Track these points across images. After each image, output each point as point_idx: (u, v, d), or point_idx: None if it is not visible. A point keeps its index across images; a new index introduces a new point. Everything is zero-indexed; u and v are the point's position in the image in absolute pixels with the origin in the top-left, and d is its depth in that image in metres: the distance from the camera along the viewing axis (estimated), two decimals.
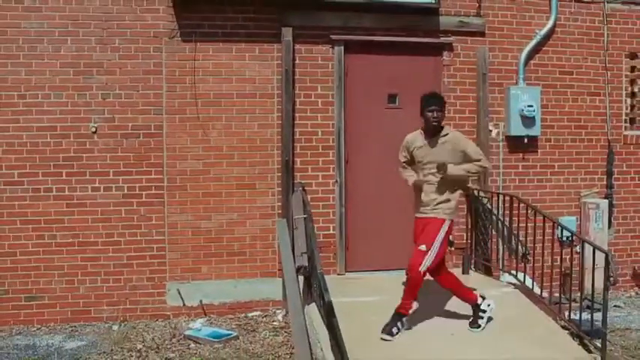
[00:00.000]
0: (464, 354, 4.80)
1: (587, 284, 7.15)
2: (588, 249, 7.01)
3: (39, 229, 6.24)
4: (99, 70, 6.28)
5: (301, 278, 5.61)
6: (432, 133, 5.16)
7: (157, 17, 6.34)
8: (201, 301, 6.49)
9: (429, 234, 5.07)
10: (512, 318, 5.46)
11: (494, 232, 6.61)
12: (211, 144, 6.50)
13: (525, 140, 7.07)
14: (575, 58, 7.26)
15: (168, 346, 5.70)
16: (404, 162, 5.35)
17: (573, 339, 5.22)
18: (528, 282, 6.80)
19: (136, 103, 6.36)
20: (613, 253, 7.44)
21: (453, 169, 5.04)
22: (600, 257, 7.15)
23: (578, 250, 7.20)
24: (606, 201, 7.32)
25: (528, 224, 5.94)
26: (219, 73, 6.49)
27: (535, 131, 7.08)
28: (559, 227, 7.04)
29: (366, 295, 5.99)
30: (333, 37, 6.63)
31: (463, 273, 6.74)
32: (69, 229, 6.28)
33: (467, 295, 5.27)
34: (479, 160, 5.15)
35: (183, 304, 6.48)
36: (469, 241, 6.89)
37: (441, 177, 5.07)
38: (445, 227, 5.07)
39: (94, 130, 6.28)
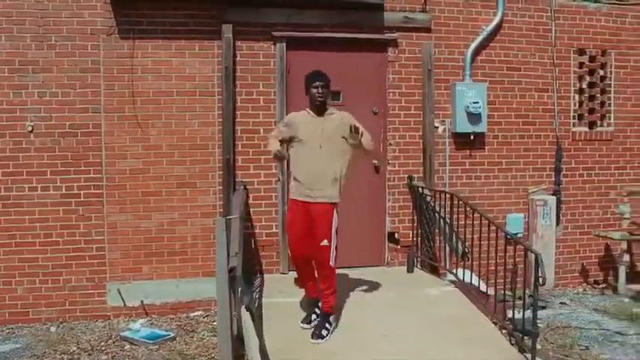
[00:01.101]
0: (394, 354, 4.74)
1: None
2: (537, 245, 7.15)
3: None
4: (35, 67, 6.18)
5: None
6: (318, 111, 5.05)
7: (94, 14, 6.24)
8: (142, 301, 6.42)
9: (326, 225, 4.92)
10: (448, 317, 5.43)
11: (437, 231, 6.58)
12: (151, 142, 6.41)
13: (472, 137, 7.04)
14: (522, 54, 7.23)
15: (103, 348, 5.63)
16: (275, 135, 5.14)
17: (509, 338, 5.23)
18: (475, 280, 6.84)
19: (73, 102, 6.26)
20: (561, 249, 7.49)
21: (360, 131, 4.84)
22: (547, 255, 7.24)
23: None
24: (554, 197, 7.31)
25: (468, 222, 5.88)
26: (159, 70, 6.40)
27: (481, 128, 7.04)
28: (506, 225, 7.21)
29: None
30: (275, 33, 6.55)
31: (408, 271, 6.72)
32: (5, 229, 6.19)
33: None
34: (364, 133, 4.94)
35: (124, 305, 6.41)
36: (415, 238, 6.88)
37: (329, 155, 4.92)
38: (336, 214, 4.98)
39: (30, 129, 6.18)
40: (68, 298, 6.32)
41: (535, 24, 7.25)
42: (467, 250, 6.05)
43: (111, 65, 6.32)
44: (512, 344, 5.06)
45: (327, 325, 4.97)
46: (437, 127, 7.04)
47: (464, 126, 6.98)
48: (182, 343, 5.73)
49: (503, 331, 5.41)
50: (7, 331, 6.13)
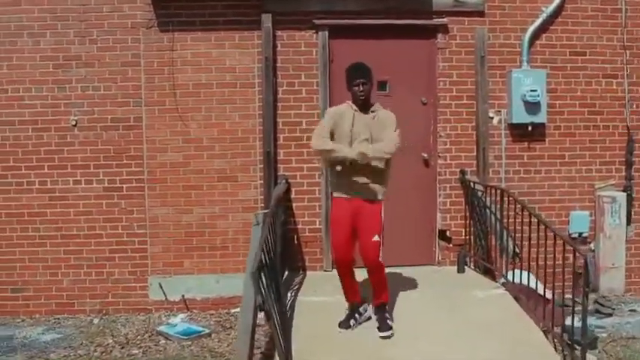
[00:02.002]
0: (422, 356, 4.46)
1: (602, 285, 6.64)
2: (605, 246, 6.58)
3: (23, 222, 6.32)
4: (78, 62, 6.27)
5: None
6: (362, 108, 4.76)
7: (134, 7, 6.25)
8: (183, 296, 6.39)
9: (375, 221, 4.72)
10: (489, 321, 5.01)
11: (489, 229, 6.14)
12: (191, 135, 6.36)
13: (529, 128, 6.51)
14: (588, 37, 6.61)
15: (137, 342, 5.62)
16: (324, 135, 4.74)
17: (559, 347, 4.79)
18: (533, 283, 6.35)
19: (114, 96, 6.31)
20: (633, 251, 6.82)
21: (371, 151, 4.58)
22: (616, 256, 6.65)
23: (593, 248, 6.68)
24: (624, 194, 6.65)
25: (524, 220, 5.41)
26: (198, 62, 6.33)
27: (541, 118, 6.51)
28: (570, 223, 6.66)
29: (339, 294, 5.72)
30: (317, 21, 6.31)
31: (458, 272, 6.31)
32: (52, 222, 6.33)
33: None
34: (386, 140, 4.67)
35: (166, 299, 6.40)
36: (467, 237, 6.46)
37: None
38: (382, 210, 4.76)
39: (74, 123, 6.29)
40: (111, 290, 6.39)
41: (602, 3, 6.60)
42: (517, 251, 5.60)
43: (151, 58, 6.31)
44: (558, 353, 4.63)
45: (387, 315, 4.81)
46: (492, 118, 6.57)
47: (521, 116, 6.47)
48: (215, 340, 5.63)
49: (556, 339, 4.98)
50: (53, 321, 6.27)
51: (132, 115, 6.33)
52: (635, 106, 6.70)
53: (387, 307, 4.95)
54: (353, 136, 4.71)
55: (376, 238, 4.74)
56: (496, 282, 5.95)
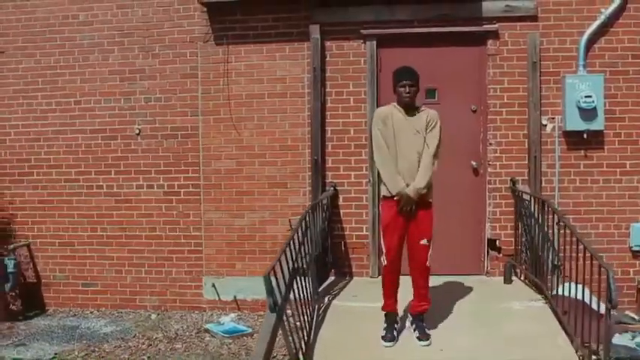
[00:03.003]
0: None
1: None
2: None
3: (92, 222, 6.90)
4: (142, 75, 6.77)
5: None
6: (407, 109, 4.75)
7: (192, 23, 6.66)
8: (235, 296, 6.70)
9: (427, 223, 4.74)
10: (518, 335, 4.87)
11: (535, 240, 5.96)
12: (244, 143, 6.67)
13: (585, 135, 6.24)
14: None
15: (184, 337, 6.00)
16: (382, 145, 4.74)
17: None
18: (587, 297, 6.08)
19: (174, 106, 6.74)
20: None
21: (414, 191, 4.61)
22: None
23: None
24: None
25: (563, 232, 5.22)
26: (251, 74, 6.63)
27: (597, 125, 6.22)
28: (631, 236, 6.32)
29: (373, 301, 5.70)
30: (364, 31, 6.42)
31: (505, 282, 6.17)
32: (117, 222, 6.87)
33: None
34: (430, 149, 4.66)
35: (219, 299, 6.74)
36: (517, 247, 6.31)
37: (419, 155, 4.66)
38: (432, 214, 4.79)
39: (137, 131, 6.79)
40: (169, 288, 6.82)
41: None
42: (558, 263, 5.40)
43: (207, 70, 6.68)
44: None
45: (425, 324, 4.84)
46: (545, 125, 6.37)
47: (575, 123, 6.22)
48: (256, 340, 5.87)
49: (593, 357, 4.78)
50: (117, 314, 6.80)
51: (189, 125, 6.73)
52: None
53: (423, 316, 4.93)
54: (396, 139, 4.71)
55: (425, 241, 4.77)
56: (542, 294, 5.78)
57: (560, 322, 5.11)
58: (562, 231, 5.06)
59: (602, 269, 4.44)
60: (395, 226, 4.77)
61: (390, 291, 4.93)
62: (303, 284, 5.31)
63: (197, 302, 6.77)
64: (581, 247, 4.74)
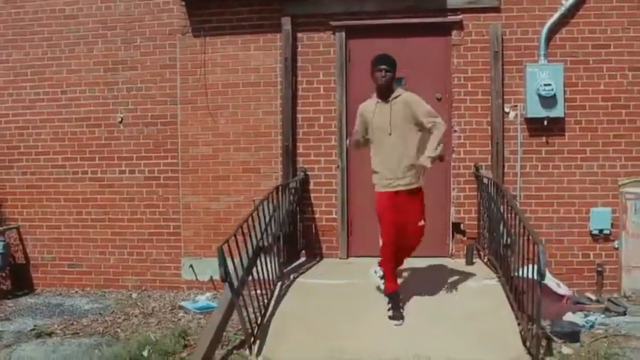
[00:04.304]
0: (385, 343, 4.75)
1: (625, 284, 6.43)
2: (627, 245, 6.36)
3: (78, 206, 7.26)
4: (124, 66, 7.11)
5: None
6: (383, 96, 5.02)
7: (171, 16, 6.99)
8: (211, 277, 6.98)
9: (420, 206, 5.11)
10: (468, 311, 5.16)
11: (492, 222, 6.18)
12: (220, 130, 6.98)
13: (545, 122, 6.45)
14: (612, 29, 6.44)
15: (159, 314, 6.31)
16: (359, 136, 5.15)
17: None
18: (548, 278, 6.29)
19: (154, 95, 7.07)
20: None
21: (427, 160, 4.89)
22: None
23: (617, 246, 6.49)
24: None
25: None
26: (227, 64, 6.94)
27: (557, 112, 6.43)
28: (590, 220, 6.50)
29: (337, 279, 6.06)
30: (334, 23, 6.70)
31: (467, 264, 6.40)
32: (101, 206, 7.21)
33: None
34: (432, 123, 4.92)
35: (196, 279, 7.05)
36: (480, 230, 6.53)
37: (400, 141, 4.96)
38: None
39: (120, 120, 7.12)
40: (150, 269, 7.16)
41: None
42: (509, 243, 5.61)
43: (185, 61, 7.00)
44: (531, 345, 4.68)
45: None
46: (507, 113, 6.58)
47: (536, 111, 6.44)
48: None
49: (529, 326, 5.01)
50: (100, 294, 7.13)
51: (168, 113, 7.05)
52: None
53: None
54: (382, 128, 4.99)
55: (422, 222, 5.12)
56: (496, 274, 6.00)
57: (509, 299, 5.36)
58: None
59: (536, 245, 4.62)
60: (388, 208, 5.04)
61: (393, 270, 5.20)
62: (267, 262, 5.64)
63: (176, 282, 7.09)
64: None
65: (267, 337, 5.00)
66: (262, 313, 5.24)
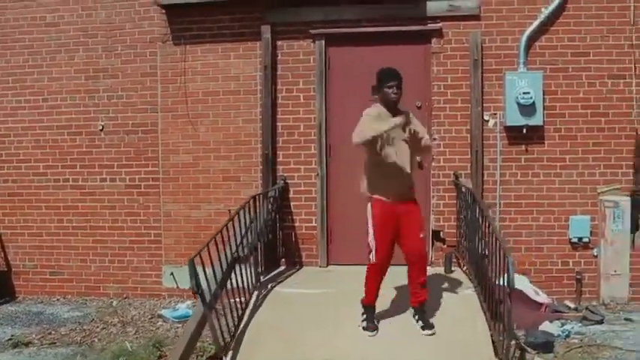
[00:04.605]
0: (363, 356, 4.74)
1: (604, 292, 6.42)
2: (606, 252, 6.35)
3: (59, 214, 7.26)
4: (105, 74, 7.12)
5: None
6: (392, 110, 4.96)
7: (152, 24, 7.00)
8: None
9: (420, 219, 5.07)
10: (441, 320, 5.14)
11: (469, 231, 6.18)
12: (200, 139, 6.99)
13: (524, 130, 6.44)
14: (592, 37, 6.43)
15: (138, 322, 6.32)
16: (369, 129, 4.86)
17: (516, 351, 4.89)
18: (528, 287, 6.30)
19: (135, 103, 7.08)
20: None
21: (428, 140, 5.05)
22: (619, 264, 6.36)
23: (596, 254, 6.48)
24: (628, 199, 6.38)
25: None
26: (207, 72, 6.94)
27: (536, 120, 6.43)
28: (570, 228, 6.49)
29: (314, 288, 6.05)
30: (313, 31, 6.70)
31: (445, 272, 6.39)
32: (82, 214, 7.21)
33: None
34: (428, 140, 5.06)
35: (177, 287, 7.04)
36: (459, 238, 6.52)
37: (407, 154, 4.94)
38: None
39: (101, 128, 7.13)
40: (131, 277, 7.16)
41: (608, 2, 6.39)
42: (485, 253, 5.61)
43: (166, 69, 7.00)
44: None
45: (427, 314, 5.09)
46: (487, 121, 6.58)
47: (515, 119, 6.43)
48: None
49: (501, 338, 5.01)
50: (81, 301, 7.14)
51: (149, 121, 7.06)
52: None
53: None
54: (393, 138, 4.90)
55: (422, 235, 5.07)
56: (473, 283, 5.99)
57: (483, 309, 5.35)
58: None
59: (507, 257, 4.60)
60: (387, 224, 4.94)
61: (375, 288, 5.10)
62: (244, 271, 5.64)
63: (157, 290, 7.09)
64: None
65: (241, 347, 5.00)
66: (237, 323, 5.24)
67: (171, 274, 7.04)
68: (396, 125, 4.80)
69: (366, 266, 5.09)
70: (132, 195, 7.11)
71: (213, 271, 5.11)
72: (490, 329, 5.00)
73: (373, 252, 4.96)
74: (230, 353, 4.93)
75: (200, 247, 4.79)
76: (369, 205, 5.02)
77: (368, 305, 5.11)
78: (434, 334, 4.95)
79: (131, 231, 7.12)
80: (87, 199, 7.19)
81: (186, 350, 4.78)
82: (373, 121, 4.88)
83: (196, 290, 4.72)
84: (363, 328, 5.04)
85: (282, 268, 6.77)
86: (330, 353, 4.76)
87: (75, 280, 7.23)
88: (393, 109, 4.97)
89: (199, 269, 5.10)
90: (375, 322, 5.07)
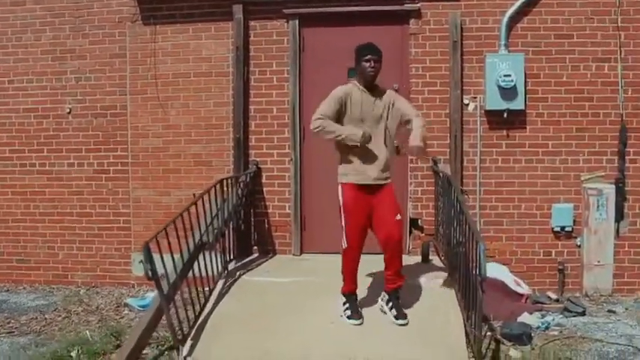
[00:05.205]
0: (329, 344, 4.54)
1: (587, 283, 6.20)
2: (590, 242, 6.13)
3: (26, 200, 7.02)
4: (72, 55, 6.86)
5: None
6: (370, 87, 4.75)
7: (120, 3, 6.73)
8: (162, 273, 6.76)
9: (395, 201, 4.84)
10: (413, 310, 4.95)
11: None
12: (170, 122, 6.74)
13: (505, 115, 6.20)
14: (576, 18, 6.18)
15: (102, 311, 6.10)
16: (329, 115, 4.62)
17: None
18: (508, 278, 6.08)
19: (103, 85, 6.83)
20: (627, 249, 6.28)
21: (418, 138, 4.68)
22: (603, 253, 6.08)
23: (579, 243, 6.25)
24: (612, 186, 6.16)
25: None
26: (177, 53, 6.69)
27: (518, 104, 6.19)
28: (552, 217, 6.27)
29: (285, 277, 5.83)
30: (287, 11, 6.44)
31: (422, 261, 6.16)
32: (49, 200, 6.99)
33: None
34: (417, 114, 4.83)
35: (161, 275, 6.81)
36: (437, 226, 6.29)
37: (383, 136, 4.74)
38: None
39: (68, 110, 6.89)
40: (100, 265, 6.93)
41: None
42: (461, 240, 5.38)
43: (135, 50, 6.75)
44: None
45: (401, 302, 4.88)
46: (467, 105, 6.33)
47: (496, 103, 6.19)
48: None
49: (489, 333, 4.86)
50: (48, 290, 6.91)
51: (118, 104, 6.81)
52: (630, 92, 6.17)
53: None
54: (363, 118, 4.70)
55: (399, 217, 4.81)
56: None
57: (458, 299, 5.13)
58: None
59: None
60: (358, 208, 4.74)
61: (353, 274, 4.90)
62: (210, 259, 5.42)
63: (126, 278, 6.87)
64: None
65: (200, 338, 4.79)
66: (198, 313, 5.04)
67: (141, 261, 6.68)
68: (360, 140, 4.59)
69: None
70: (100, 180, 6.87)
71: (173, 259, 4.94)
72: (464, 319, 4.84)
73: (345, 236, 4.75)
74: (189, 344, 4.73)
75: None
76: (340, 188, 4.81)
77: (349, 293, 4.91)
78: (407, 323, 4.74)
79: (100, 218, 6.89)
80: (54, 185, 6.95)
81: (140, 341, 4.58)
82: (335, 103, 4.66)
83: (150, 276, 4.52)
84: (348, 317, 4.83)
85: (255, 256, 6.55)
86: (297, 345, 4.55)
87: (42, 269, 7.00)
88: (371, 86, 4.74)
89: (166, 257, 4.98)
90: (359, 310, 4.86)
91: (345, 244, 4.77)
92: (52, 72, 6.89)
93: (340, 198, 4.81)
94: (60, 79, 6.88)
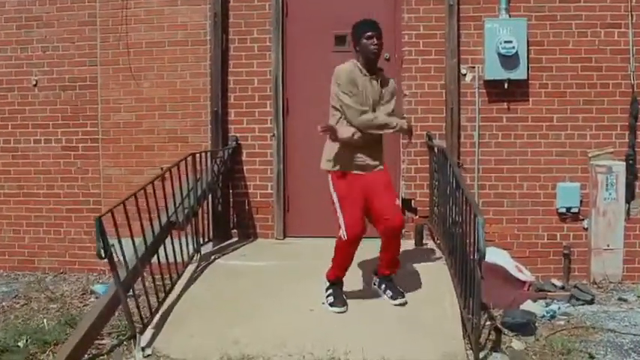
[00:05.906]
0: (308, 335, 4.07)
1: (594, 269, 5.70)
2: (598, 224, 5.65)
3: None
4: (38, 23, 6.38)
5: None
6: (371, 68, 4.38)
7: None
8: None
9: (391, 186, 4.58)
10: (413, 301, 4.48)
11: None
12: (143, 95, 6.26)
13: (506, 85, 5.72)
14: None
15: (67, 298, 5.59)
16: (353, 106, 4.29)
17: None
18: (508, 263, 5.60)
19: (72, 55, 6.35)
20: (638, 232, 5.79)
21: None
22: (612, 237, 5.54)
23: (586, 226, 5.76)
24: (622, 164, 5.66)
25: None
26: (151, 20, 6.21)
27: (519, 74, 5.69)
28: (557, 197, 5.78)
29: (264, 260, 5.37)
30: None
31: (416, 245, 5.70)
32: (15, 179, 6.52)
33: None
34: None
35: (118, 260, 6.34)
36: (432, 207, 5.80)
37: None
38: None
39: (34, 82, 6.42)
40: (68, 249, 6.46)
41: None
42: (457, 220, 4.89)
43: (106, 17, 6.27)
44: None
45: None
46: (464, 75, 5.84)
47: (495, 72, 5.70)
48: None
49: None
50: (13, 276, 6.44)
51: (88, 75, 6.34)
52: None
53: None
54: (362, 103, 4.34)
55: (398, 201, 4.57)
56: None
57: (453, 283, 4.65)
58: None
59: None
60: (354, 196, 4.33)
61: (346, 262, 4.47)
62: (178, 241, 4.95)
63: (95, 264, 6.25)
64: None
65: (164, 327, 4.32)
66: (163, 298, 4.57)
67: (112, 246, 6.33)
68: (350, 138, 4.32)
69: (333, 240, 4.39)
70: (69, 158, 6.39)
71: (133, 242, 4.49)
72: (460, 307, 4.36)
73: (343, 228, 4.27)
74: (149, 333, 4.25)
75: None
76: (330, 177, 4.40)
77: (335, 280, 4.47)
78: (405, 303, 4.41)
79: (68, 199, 6.41)
80: (20, 163, 6.47)
81: (90, 331, 4.10)
82: (351, 87, 4.29)
83: (102, 256, 4.06)
84: (330, 304, 4.39)
85: (233, 240, 6.08)
86: (271, 333, 4.10)
87: (7, 254, 6.52)
88: (374, 66, 4.37)
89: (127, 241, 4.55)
90: (344, 297, 4.43)
91: (344, 236, 4.27)
92: (16, 41, 6.41)
93: (331, 186, 4.40)
94: (25, 48, 6.40)
